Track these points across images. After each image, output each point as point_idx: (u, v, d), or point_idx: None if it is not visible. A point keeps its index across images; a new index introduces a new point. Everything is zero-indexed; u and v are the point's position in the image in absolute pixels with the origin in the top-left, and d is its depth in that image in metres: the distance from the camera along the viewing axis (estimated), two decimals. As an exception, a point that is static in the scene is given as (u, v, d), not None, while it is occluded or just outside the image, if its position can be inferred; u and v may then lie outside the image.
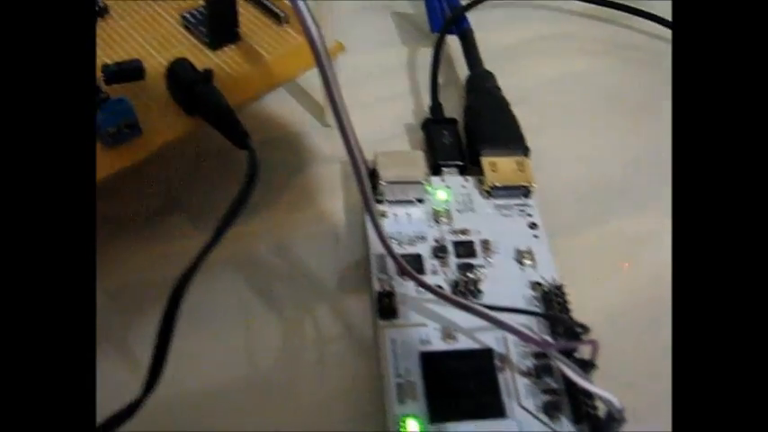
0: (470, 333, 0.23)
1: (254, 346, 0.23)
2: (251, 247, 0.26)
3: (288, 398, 0.22)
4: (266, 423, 0.22)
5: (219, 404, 0.22)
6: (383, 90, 0.32)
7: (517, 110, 0.29)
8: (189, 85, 0.25)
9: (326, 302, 0.25)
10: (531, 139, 0.28)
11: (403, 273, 0.24)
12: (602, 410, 0.21)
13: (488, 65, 0.31)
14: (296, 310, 0.24)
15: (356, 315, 0.24)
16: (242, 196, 0.22)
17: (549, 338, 0.22)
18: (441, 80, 0.31)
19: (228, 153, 0.24)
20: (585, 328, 0.21)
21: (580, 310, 0.23)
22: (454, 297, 0.22)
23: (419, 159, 0.26)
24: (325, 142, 0.29)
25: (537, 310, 0.23)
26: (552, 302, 0.23)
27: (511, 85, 0.30)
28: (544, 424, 0.21)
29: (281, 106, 0.30)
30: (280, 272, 0.25)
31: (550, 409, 0.22)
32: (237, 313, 0.24)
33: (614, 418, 0.20)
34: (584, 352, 0.21)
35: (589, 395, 0.21)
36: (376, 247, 0.24)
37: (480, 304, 0.22)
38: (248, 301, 0.24)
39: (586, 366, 0.21)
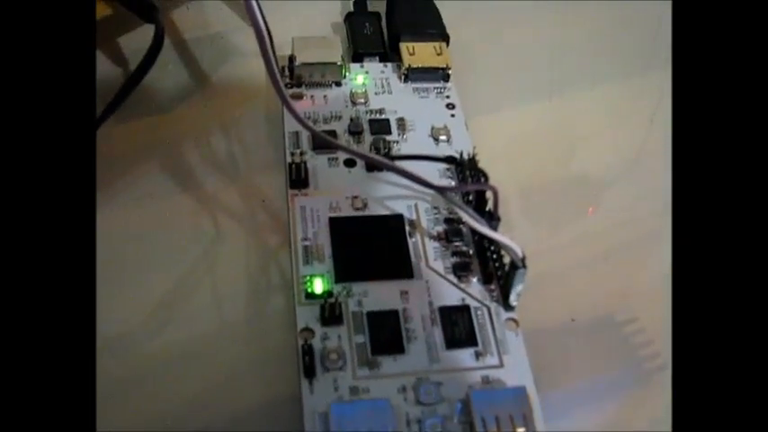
0: (381, 202, 0.23)
1: (178, 220, 0.23)
2: (173, 134, 0.26)
3: (209, 261, 0.23)
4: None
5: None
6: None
7: (441, 4, 0.29)
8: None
9: (244, 181, 0.24)
10: (456, 32, 0.28)
11: (315, 146, 0.24)
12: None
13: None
14: (216, 187, 0.24)
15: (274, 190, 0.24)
16: (145, 62, 0.22)
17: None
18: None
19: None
20: (485, 176, 0.21)
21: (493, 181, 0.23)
22: (358, 150, 0.22)
23: (335, 43, 0.26)
24: (248, 39, 0.29)
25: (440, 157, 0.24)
26: (465, 172, 0.23)
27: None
28: (453, 284, 0.21)
29: (205, 9, 0.30)
30: (202, 154, 0.25)
31: (459, 270, 0.22)
32: (165, 191, 0.24)
33: (517, 266, 0.20)
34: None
35: (498, 256, 0.22)
36: (290, 125, 0.24)
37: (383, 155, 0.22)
38: (174, 180, 0.24)
39: (492, 220, 0.21)
